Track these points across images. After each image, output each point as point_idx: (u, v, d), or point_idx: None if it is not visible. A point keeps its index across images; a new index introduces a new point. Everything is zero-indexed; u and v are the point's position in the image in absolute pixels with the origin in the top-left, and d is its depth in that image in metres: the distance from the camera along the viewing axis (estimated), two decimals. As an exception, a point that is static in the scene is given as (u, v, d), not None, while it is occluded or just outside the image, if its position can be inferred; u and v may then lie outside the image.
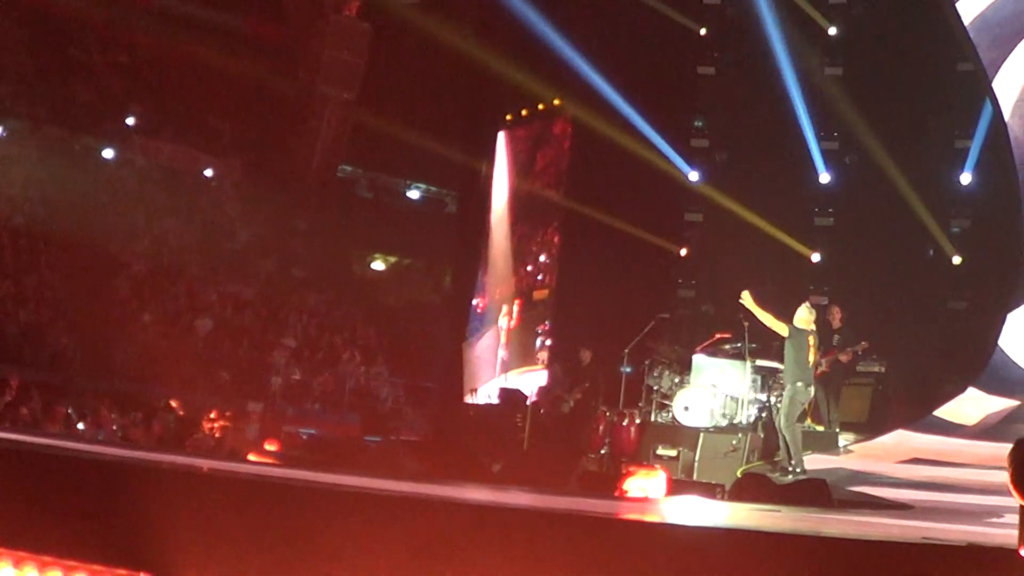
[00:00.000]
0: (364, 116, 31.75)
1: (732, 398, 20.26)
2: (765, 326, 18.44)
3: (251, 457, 20.03)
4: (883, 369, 21.93)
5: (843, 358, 20.56)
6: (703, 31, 27.16)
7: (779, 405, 18.42)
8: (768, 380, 20.12)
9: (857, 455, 19.39)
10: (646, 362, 21.58)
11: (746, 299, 18.28)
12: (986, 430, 19.88)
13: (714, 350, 21.02)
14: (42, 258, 29.09)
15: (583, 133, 27.92)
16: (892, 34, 24.50)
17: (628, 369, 22.07)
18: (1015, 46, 22.41)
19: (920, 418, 21.03)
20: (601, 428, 20.91)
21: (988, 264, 23.38)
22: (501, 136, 31.36)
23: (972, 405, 20.58)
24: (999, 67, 22.47)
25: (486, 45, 27.91)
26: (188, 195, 32.95)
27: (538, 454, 21.12)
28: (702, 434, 19.65)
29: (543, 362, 28.00)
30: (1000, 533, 10.56)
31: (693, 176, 26.65)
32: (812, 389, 18.33)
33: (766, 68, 25.11)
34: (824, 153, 25.56)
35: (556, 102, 29.44)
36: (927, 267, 24.21)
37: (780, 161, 25.53)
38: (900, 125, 24.33)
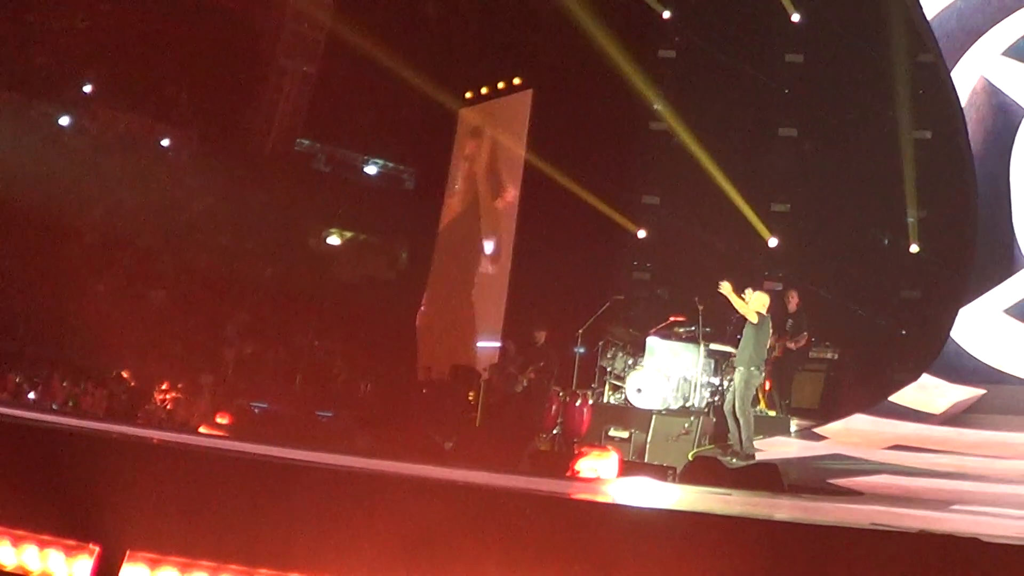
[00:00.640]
0: (323, 90, 31.62)
1: (685, 381, 20.35)
2: (722, 310, 18.53)
3: (202, 430, 19.97)
4: (836, 356, 22.07)
5: (791, 345, 20.71)
6: (666, 14, 27.15)
7: (731, 389, 18.48)
8: (721, 364, 20.21)
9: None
10: (600, 343, 21.64)
11: (725, 288, 18.33)
12: (953, 418, 20.03)
13: (668, 333, 21.10)
14: (-7, 225, 28.85)
15: (542, 113, 27.89)
16: (853, 24, 24.52)
17: (582, 350, 22.12)
18: (976, 40, 22.54)
19: (872, 405, 21.13)
20: (554, 408, 20.93)
21: (942, 255, 23.48)
22: (461, 114, 31.30)
23: (937, 394, 20.68)
24: (958, 59, 22.59)
25: (446, 21, 27.83)
26: (144, 165, 32.67)
27: (490, 433, 21.11)
28: (654, 416, 19.72)
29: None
30: (955, 519, 10.65)
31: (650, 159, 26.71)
32: (763, 373, 18.49)
33: (725, 52, 25.15)
34: (782, 140, 25.64)
35: (516, 81, 29.38)
36: (882, 255, 24.32)
37: (737, 146, 25.56)
38: (858, 115, 24.44)
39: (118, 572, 7.17)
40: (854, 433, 19.77)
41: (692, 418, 19.60)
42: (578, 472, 15.20)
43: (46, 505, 7.57)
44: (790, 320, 20.94)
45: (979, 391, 20.53)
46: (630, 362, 21.13)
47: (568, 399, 20.88)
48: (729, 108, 25.69)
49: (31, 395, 23.79)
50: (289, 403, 26.36)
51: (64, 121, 32.02)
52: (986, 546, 6.35)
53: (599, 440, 19.58)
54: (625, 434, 19.90)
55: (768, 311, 18.20)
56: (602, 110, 26.62)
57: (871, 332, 23.57)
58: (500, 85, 30.01)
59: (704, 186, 25.13)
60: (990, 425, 19.13)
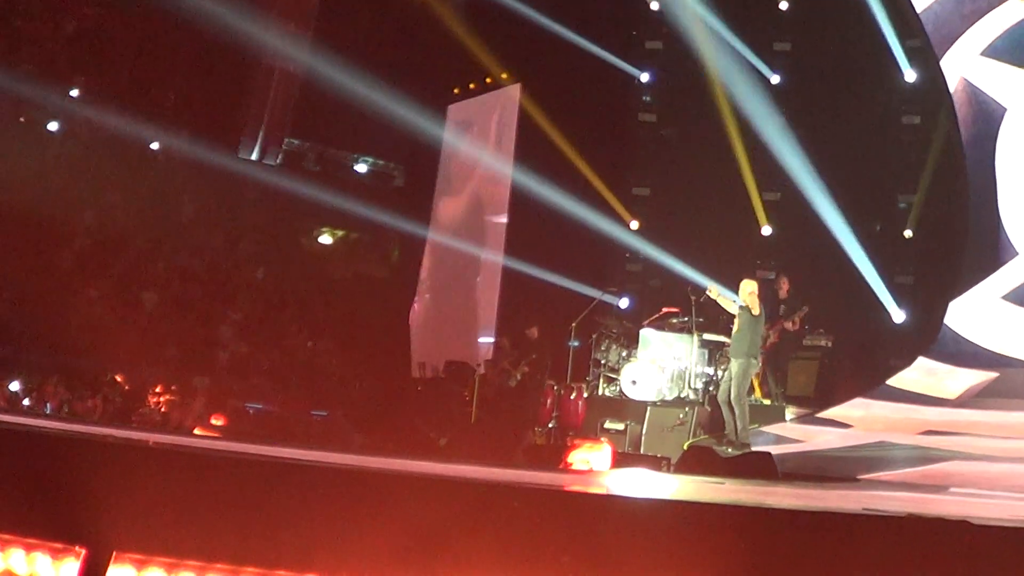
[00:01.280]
0: (311, 88, 31.56)
1: (679, 372, 20.37)
2: (713, 301, 18.55)
3: (197, 432, 19.94)
4: (829, 344, 22.04)
5: (789, 326, 20.74)
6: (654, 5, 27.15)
7: (725, 378, 18.47)
8: (715, 354, 20.25)
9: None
10: (594, 336, 21.65)
11: (713, 292, 18.35)
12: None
13: (662, 324, 21.13)
14: (-15, 232, 28.78)
15: (532, 107, 27.84)
16: (843, 10, 24.50)
17: (576, 343, 22.13)
18: (953, 42, 22.80)
19: (869, 391, 21.13)
20: (549, 402, 20.99)
21: (936, 242, 23.49)
22: (449, 110, 31.25)
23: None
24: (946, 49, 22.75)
25: (435, 16, 27.77)
26: (134, 168, 32.62)
27: (485, 428, 21.11)
28: (649, 408, 19.75)
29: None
30: (948, 501, 10.65)
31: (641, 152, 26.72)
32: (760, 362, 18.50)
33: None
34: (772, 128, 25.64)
35: (504, 76, 29.33)
36: (875, 241, 24.29)
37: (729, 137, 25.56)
38: (850, 103, 24.47)
39: (104, 574, 7.14)
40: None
41: (687, 409, 19.65)
42: (571, 464, 15.21)
43: (32, 509, 7.53)
44: (783, 306, 20.95)
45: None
46: (624, 354, 21.19)
47: (563, 392, 20.93)
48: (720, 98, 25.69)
49: (26, 401, 23.74)
50: (284, 403, 26.32)
51: (53, 126, 31.94)
52: (975, 528, 6.34)
53: (595, 433, 19.62)
54: (621, 426, 19.94)
55: (760, 298, 18.19)
56: (590, 102, 26.60)
57: (865, 318, 23.56)
58: (488, 80, 29.97)
59: (694, 177, 25.14)
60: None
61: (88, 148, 32.02)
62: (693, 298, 20.17)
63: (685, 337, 20.48)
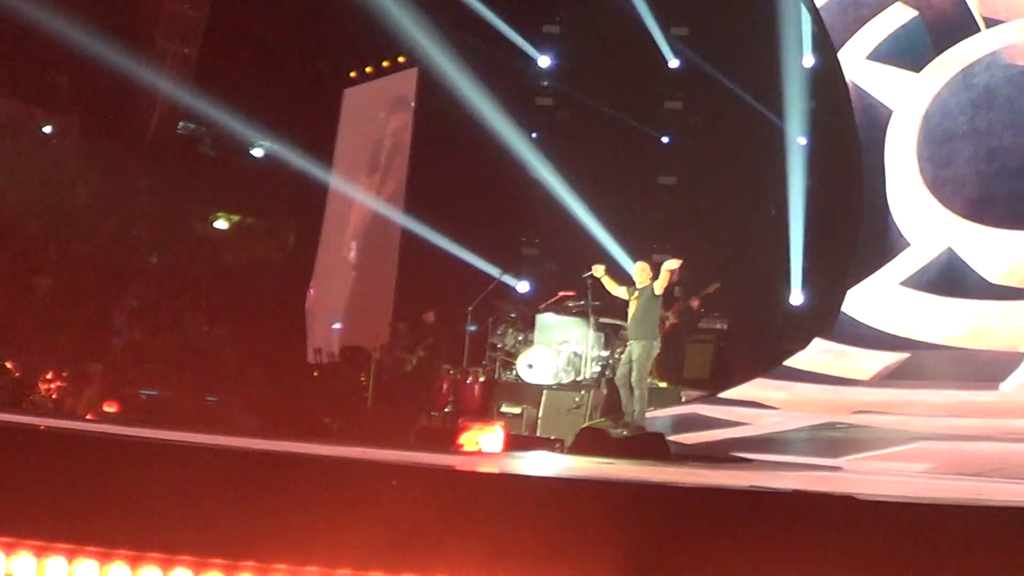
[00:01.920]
0: (205, 72, 31.24)
1: (576, 355, 20.40)
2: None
3: (88, 418, 19.68)
4: (725, 327, 22.21)
5: (694, 304, 20.87)
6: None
7: (623, 361, 18.44)
8: (612, 337, 20.27)
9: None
10: (490, 320, 21.63)
11: (598, 271, 18.31)
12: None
13: (558, 308, 21.14)
14: None
15: (428, 91, 27.75)
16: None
17: (473, 327, 22.08)
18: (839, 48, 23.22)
19: (765, 372, 21.33)
20: (445, 386, 20.98)
21: (831, 227, 23.72)
22: (345, 94, 31.10)
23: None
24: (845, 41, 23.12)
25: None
26: (25, 152, 32.13)
27: (381, 413, 21.07)
28: (545, 391, 19.76)
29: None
30: (832, 477, 10.76)
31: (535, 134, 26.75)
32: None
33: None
34: (666, 111, 25.80)
35: (401, 59, 29.20)
36: (770, 226, 24.46)
37: (623, 119, 25.66)
38: (743, 88, 24.64)
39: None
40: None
41: (583, 392, 19.67)
42: (462, 446, 15.20)
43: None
44: (676, 287, 21.04)
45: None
46: (520, 338, 21.18)
47: (459, 377, 20.91)
48: (615, 84, 25.80)
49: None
50: (179, 389, 26.03)
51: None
52: (860, 504, 6.43)
53: (492, 417, 19.59)
54: (517, 410, 19.94)
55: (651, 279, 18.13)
56: (487, 88, 26.55)
57: (760, 302, 23.74)
58: (384, 64, 29.83)
59: (593, 163, 25.21)
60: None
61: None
62: (589, 282, 20.17)
63: (581, 321, 20.50)
